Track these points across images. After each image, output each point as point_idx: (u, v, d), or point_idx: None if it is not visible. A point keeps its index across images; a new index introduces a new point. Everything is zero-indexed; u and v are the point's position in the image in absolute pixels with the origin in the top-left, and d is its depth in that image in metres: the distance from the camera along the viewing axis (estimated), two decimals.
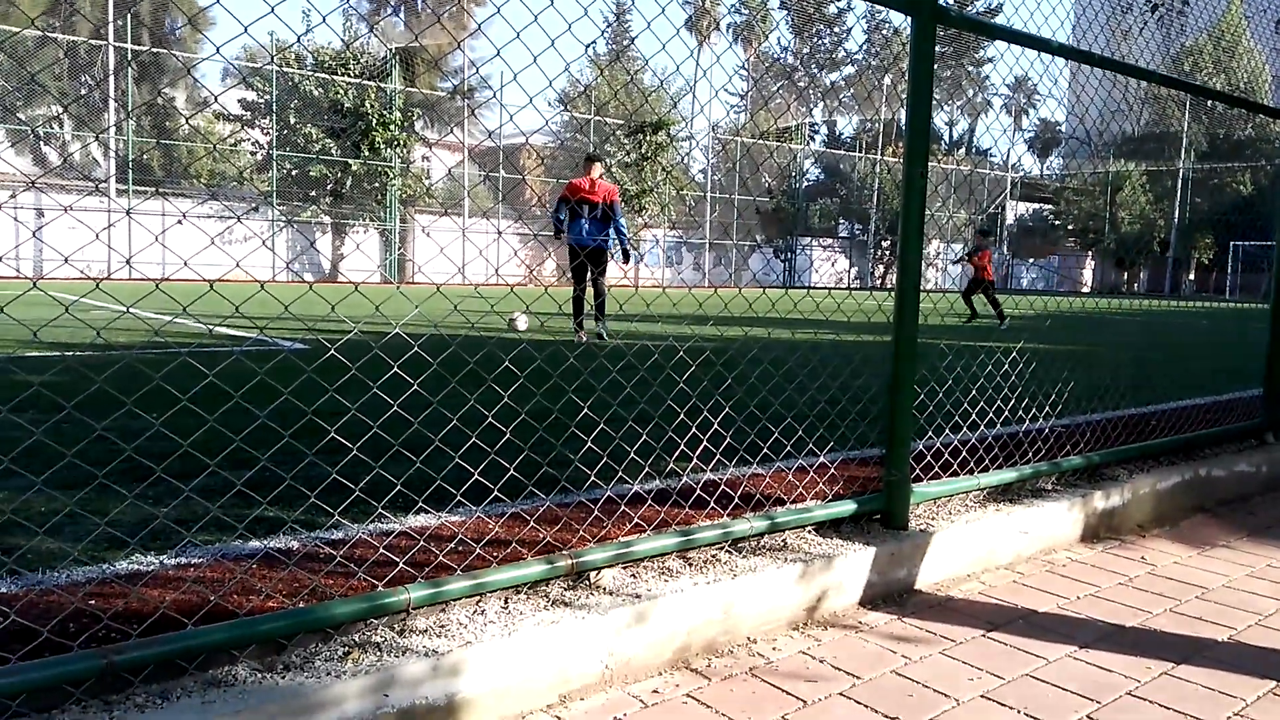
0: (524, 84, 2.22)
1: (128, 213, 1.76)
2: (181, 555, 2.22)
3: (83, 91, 26.88)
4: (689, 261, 38.42)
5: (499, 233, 2.20)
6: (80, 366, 5.16)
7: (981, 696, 2.07)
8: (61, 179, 26.71)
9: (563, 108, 32.92)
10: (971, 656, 2.28)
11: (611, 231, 9.34)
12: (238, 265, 1.80)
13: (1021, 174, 49.58)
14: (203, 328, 8.32)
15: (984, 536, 2.92)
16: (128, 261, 1.52)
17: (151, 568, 2.14)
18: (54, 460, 2.96)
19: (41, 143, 27.90)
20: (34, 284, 1.41)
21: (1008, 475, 3.20)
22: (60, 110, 26.14)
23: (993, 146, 53.56)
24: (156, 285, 1.48)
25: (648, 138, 32.85)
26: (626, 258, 9.46)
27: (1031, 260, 48.76)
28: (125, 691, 1.61)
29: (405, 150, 29.69)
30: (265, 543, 2.33)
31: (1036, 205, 49.83)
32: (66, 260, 1.63)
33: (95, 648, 1.61)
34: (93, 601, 1.92)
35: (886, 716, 1.95)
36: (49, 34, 25.08)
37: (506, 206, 31.17)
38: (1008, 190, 46.68)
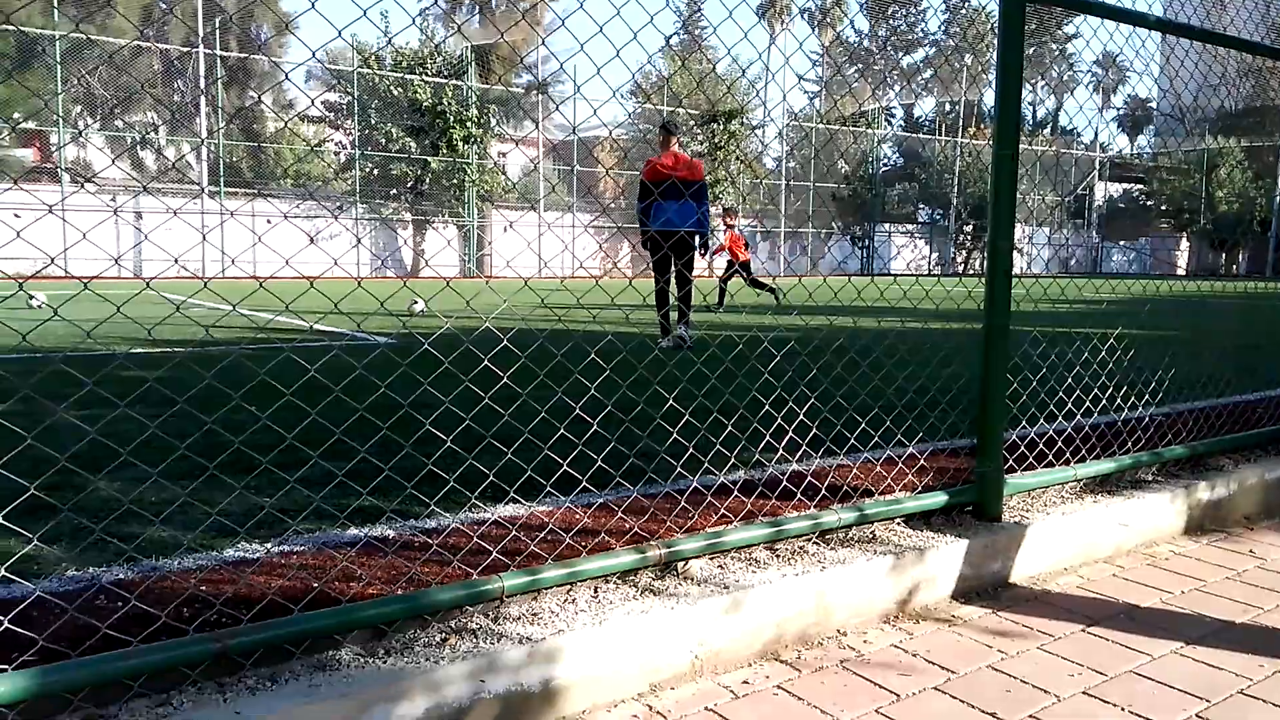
0: (595, 78, 2.22)
1: (231, 214, 1.83)
2: (286, 543, 2.31)
3: (175, 97, 27.96)
4: (764, 251, 38.12)
5: (584, 226, 2.22)
6: (190, 363, 5.38)
7: (1083, 693, 2.01)
8: (159, 182, 27.84)
9: (635, 100, 32.95)
10: (1072, 652, 2.22)
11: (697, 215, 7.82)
12: (335, 264, 1.85)
13: (1110, 154, 47.77)
14: (303, 324, 8.59)
15: (1081, 529, 2.84)
16: (232, 261, 1.57)
17: (258, 555, 2.23)
18: (166, 452, 3.10)
19: (139, 148, 29.12)
20: (147, 284, 1.48)
21: (1106, 466, 3.10)
22: (156, 116, 27.24)
23: (1080, 125, 51.71)
24: (260, 284, 1.53)
25: (722, 126, 32.69)
26: (705, 248, 8.38)
27: (1121, 242, 46.99)
28: (237, 674, 1.68)
29: (482, 147, 30.10)
30: (364, 531, 2.40)
31: (1126, 186, 47.97)
32: (176, 261, 1.69)
33: (209, 632, 1.68)
34: (204, 587, 2.00)
35: (984, 713, 1.92)
36: (144, 43, 26.13)
37: (582, 200, 31.36)
38: (1095, 171, 45.06)
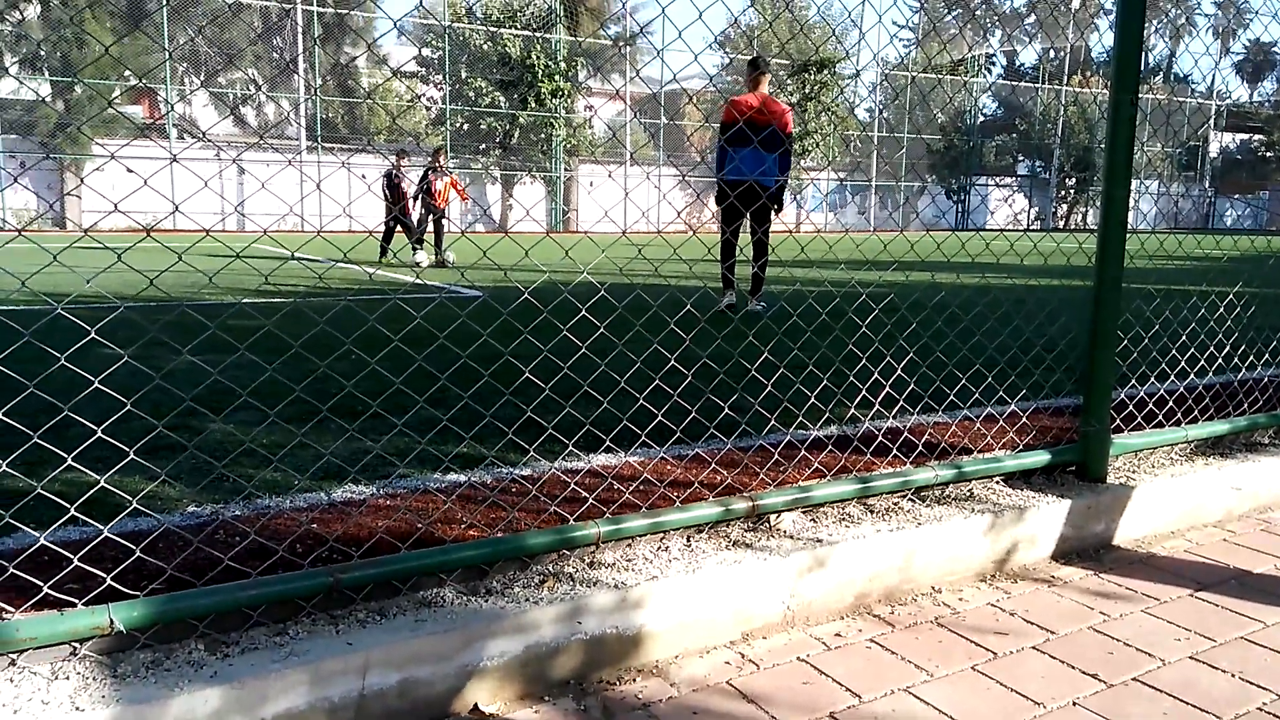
0: (685, 28, 2.19)
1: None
2: (390, 486, 2.39)
3: (274, 53, 28.64)
4: (853, 205, 37.30)
5: (686, 177, 2.20)
6: (305, 310, 5.58)
7: (1190, 658, 1.95)
8: (258, 136, 28.69)
9: (723, 53, 32.37)
10: (1178, 616, 2.15)
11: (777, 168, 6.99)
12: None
13: (1228, 102, 44.96)
14: (408, 278, 8.81)
15: (1191, 492, 2.73)
16: (345, 211, 1.61)
17: (364, 496, 2.32)
18: (279, 397, 3.23)
19: (240, 105, 30.01)
20: (265, 231, 1.54)
21: (1219, 427, 2.96)
22: (256, 74, 27.99)
23: (1194, 72, 48.69)
24: (369, 233, 1.57)
25: (812, 76, 31.90)
26: (780, 205, 7.14)
27: (1237, 196, 44.40)
28: (348, 608, 1.76)
29: (569, 101, 30.08)
30: (466, 476, 2.47)
31: (1244, 136, 45.17)
32: (290, 210, 1.74)
33: (322, 566, 1.76)
34: (316, 525, 2.09)
35: (1085, 674, 1.88)
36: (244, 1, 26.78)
37: (670, 155, 31.15)
38: (1211, 120, 42.53)
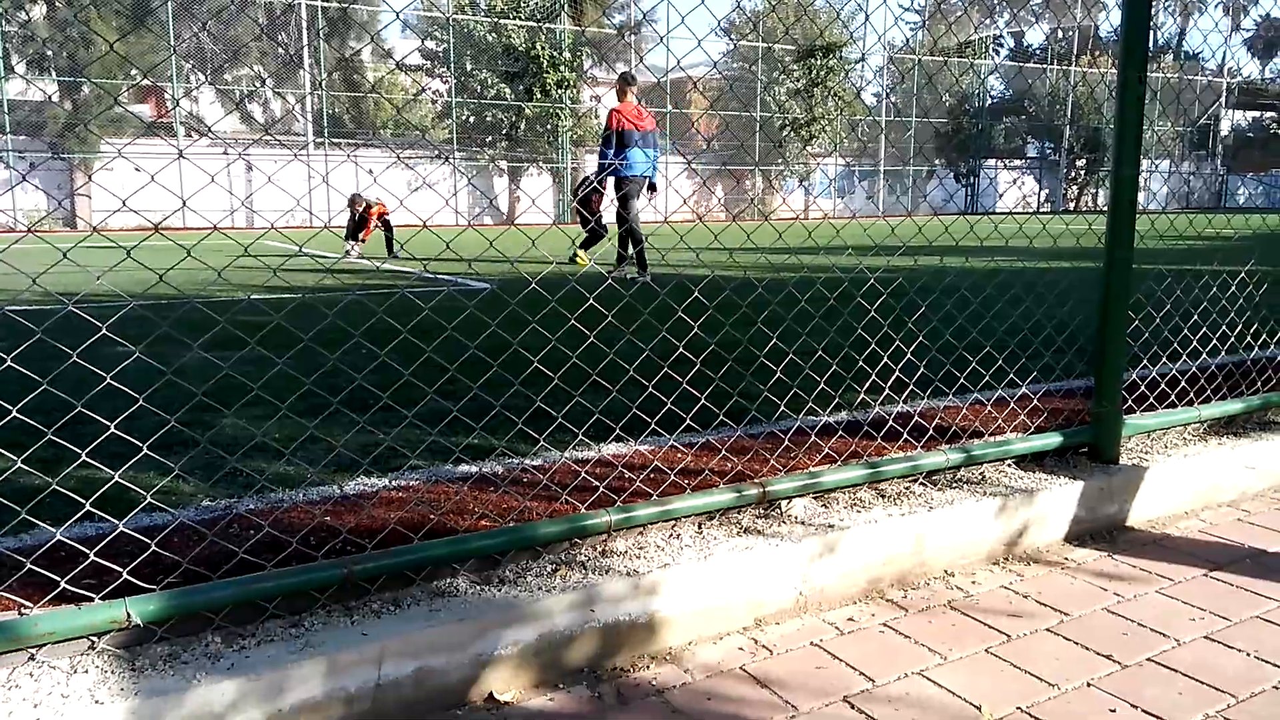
0: (688, 15, 2.18)
1: (362, 166, 1.88)
2: (402, 478, 2.40)
3: (280, 50, 28.66)
4: (861, 191, 37.12)
5: (683, 168, 2.20)
6: (315, 304, 5.60)
7: (1205, 638, 1.95)
8: (265, 132, 28.72)
9: (729, 39, 32.23)
10: (1192, 596, 2.15)
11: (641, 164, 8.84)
12: (447, 204, 1.88)
13: (1239, 79, 44.49)
14: (414, 271, 8.82)
15: (1204, 471, 2.72)
16: (351, 206, 1.61)
17: (377, 488, 2.33)
18: (289, 390, 3.25)
19: (246, 101, 30.04)
20: (272, 226, 1.54)
21: (1233, 406, 2.95)
22: (262, 70, 28.00)
23: (1204, 50, 48.19)
24: (381, 228, 1.56)
25: (818, 61, 31.72)
26: (653, 188, 9.01)
27: (1250, 175, 43.98)
28: (363, 599, 1.77)
29: (575, 91, 29.99)
30: (476, 467, 2.48)
31: (1256, 113, 44.72)
32: (297, 204, 1.74)
33: (336, 558, 1.77)
34: (329, 518, 2.11)
35: (1099, 655, 1.88)
36: None
37: (678, 142, 31.05)
38: (1222, 98, 42.12)
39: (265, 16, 27.79)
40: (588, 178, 12.50)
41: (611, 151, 8.68)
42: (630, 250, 8.81)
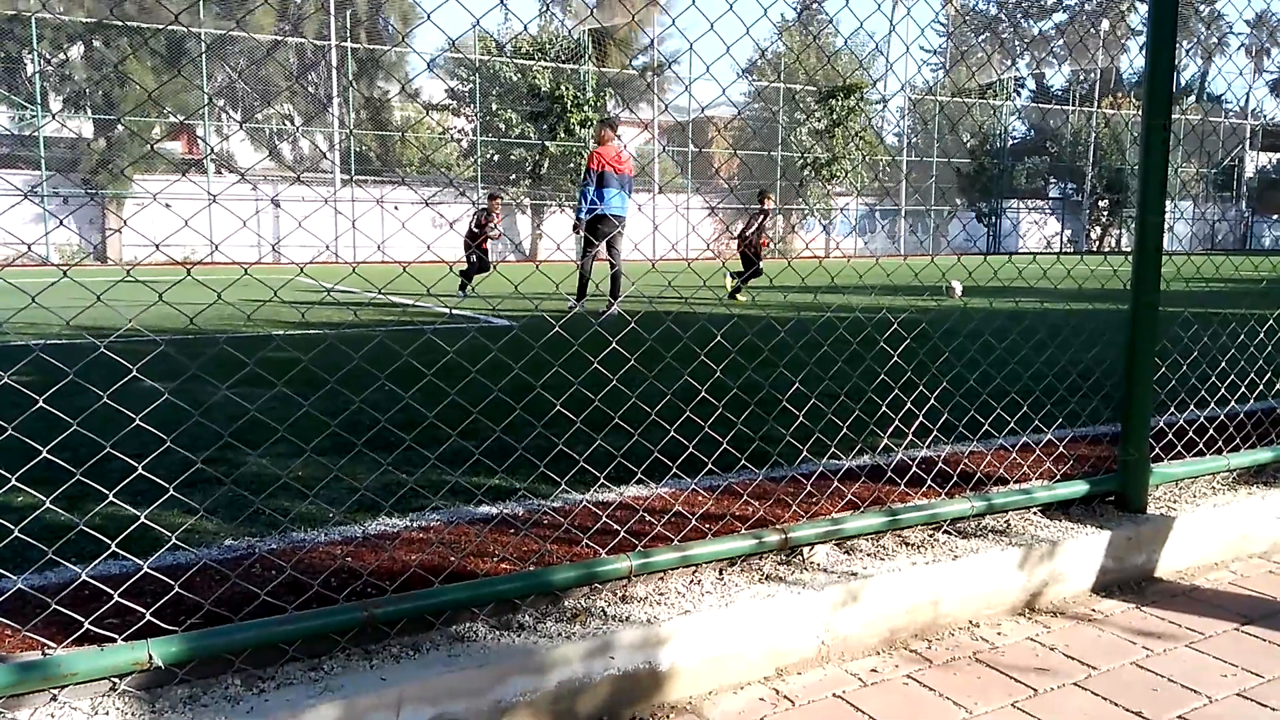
0: (712, 58, 2.21)
1: (380, 204, 1.90)
2: (423, 519, 2.40)
3: (310, 89, 29.22)
4: (882, 230, 37.14)
5: (707, 210, 2.21)
6: (340, 344, 5.65)
7: (1238, 694, 1.90)
8: (294, 171, 29.22)
9: (750, 79, 32.56)
10: (1224, 651, 2.10)
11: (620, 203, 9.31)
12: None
13: (1262, 120, 44.34)
14: (441, 309, 8.89)
15: (1235, 521, 2.67)
16: (379, 248, 1.64)
17: (398, 529, 2.33)
18: (314, 430, 3.27)
19: (276, 139, 30.61)
20: (301, 270, 1.56)
21: (1263, 455, 2.91)
22: (292, 108, 28.54)
23: (1228, 92, 48.08)
24: (404, 269, 1.59)
25: (840, 102, 31.94)
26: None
27: (1276, 217, 43.67)
28: (382, 642, 1.76)
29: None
30: (498, 509, 2.48)
31: None
32: (327, 248, 1.77)
33: (356, 601, 1.77)
34: (350, 559, 2.11)
35: (1129, 711, 1.84)
36: (282, 37, 27.39)
37: (699, 181, 31.27)
38: (1246, 140, 41.98)
39: (296, 57, 28.38)
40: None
41: (591, 190, 9.18)
42: (615, 289, 9.09)
